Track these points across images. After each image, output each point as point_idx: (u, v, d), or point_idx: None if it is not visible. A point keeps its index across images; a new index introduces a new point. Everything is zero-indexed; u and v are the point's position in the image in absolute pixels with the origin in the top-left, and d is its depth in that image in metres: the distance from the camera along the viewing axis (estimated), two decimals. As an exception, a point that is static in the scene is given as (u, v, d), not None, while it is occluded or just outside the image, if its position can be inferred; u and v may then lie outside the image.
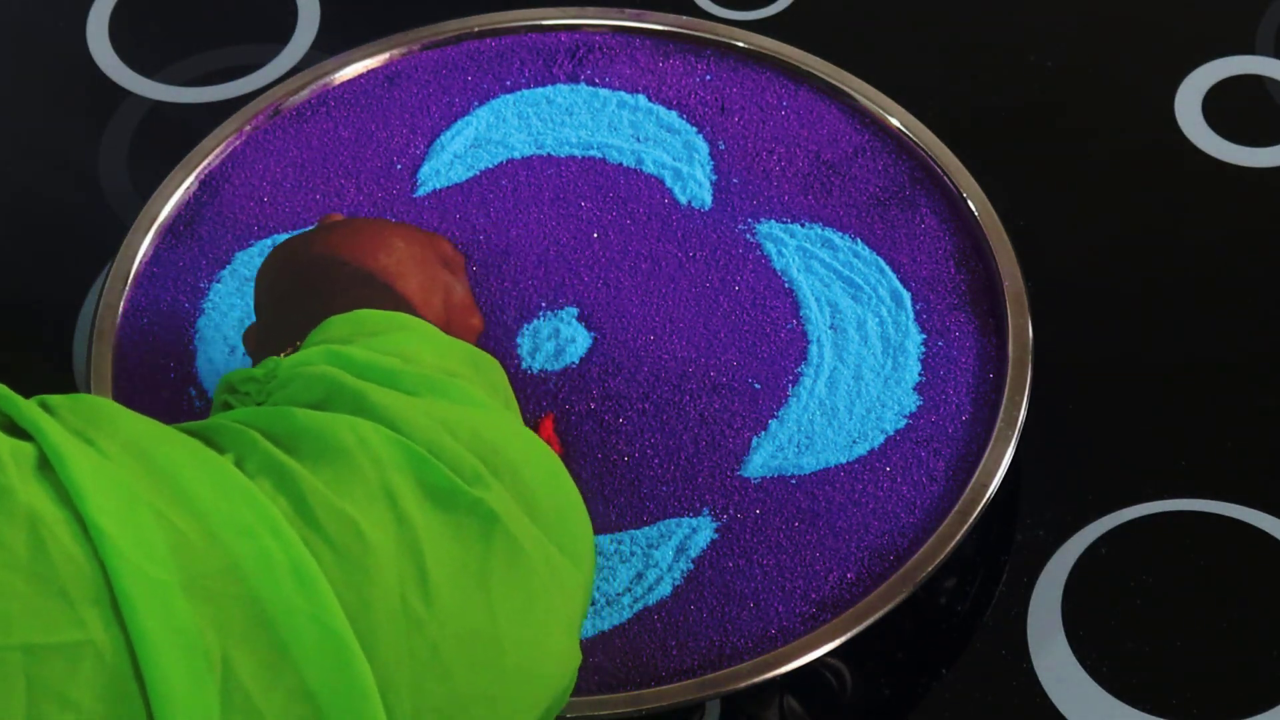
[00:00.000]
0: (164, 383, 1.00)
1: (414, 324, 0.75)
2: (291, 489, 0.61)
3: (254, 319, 1.01)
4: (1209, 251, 1.09)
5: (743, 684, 0.88)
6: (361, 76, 1.11)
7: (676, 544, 0.93)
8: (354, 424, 0.64)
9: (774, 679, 0.89)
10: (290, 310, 0.83)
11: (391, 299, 0.83)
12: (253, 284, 1.03)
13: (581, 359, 0.99)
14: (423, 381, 0.68)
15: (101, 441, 0.59)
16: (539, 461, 0.69)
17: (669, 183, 1.06)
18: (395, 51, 1.11)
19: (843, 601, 0.91)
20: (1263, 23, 1.17)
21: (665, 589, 0.92)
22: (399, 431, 0.65)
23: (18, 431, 0.60)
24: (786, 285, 1.01)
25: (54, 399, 0.62)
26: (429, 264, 0.88)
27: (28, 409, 0.60)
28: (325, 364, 0.68)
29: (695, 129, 1.08)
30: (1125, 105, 1.15)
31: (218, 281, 1.03)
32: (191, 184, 1.07)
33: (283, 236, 1.04)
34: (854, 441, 0.96)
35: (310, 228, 0.92)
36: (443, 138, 1.08)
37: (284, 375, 0.69)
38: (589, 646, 0.90)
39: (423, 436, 0.65)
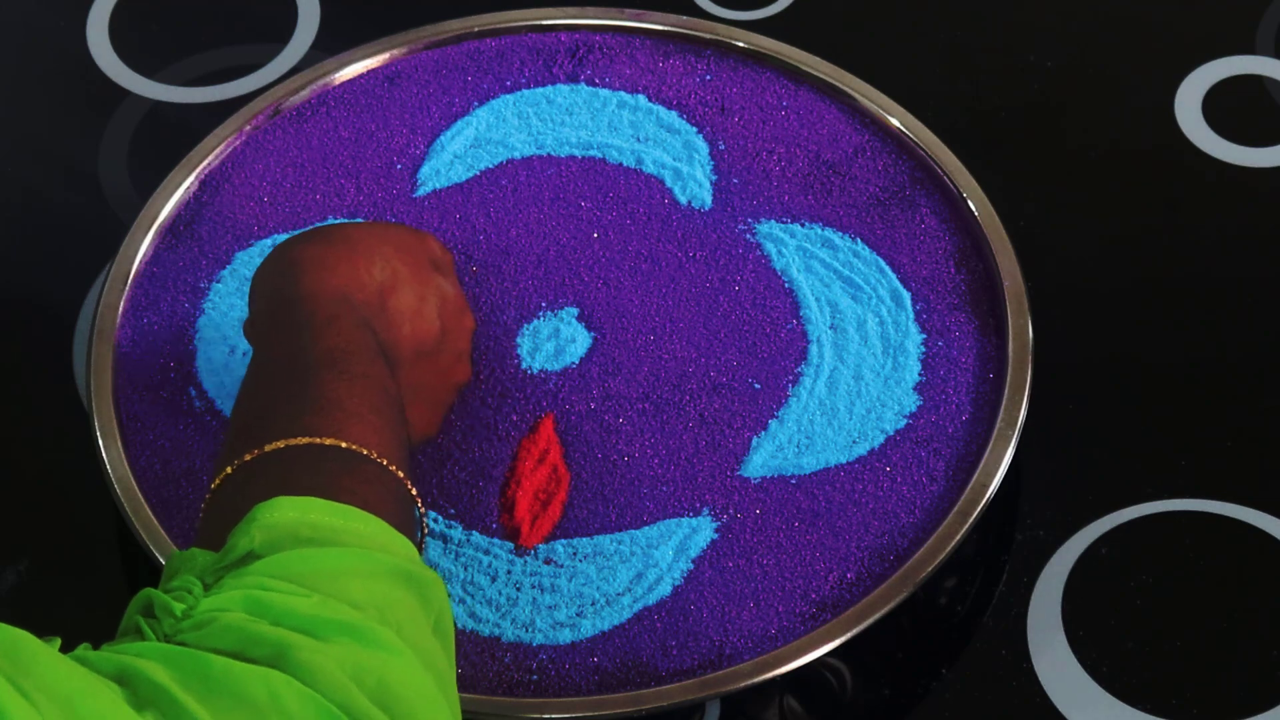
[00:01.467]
0: (164, 382, 1.00)
1: (357, 532, 0.74)
2: None
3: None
4: (1209, 251, 1.09)
5: (743, 684, 0.88)
6: (361, 76, 1.11)
7: (676, 544, 0.93)
8: (268, 678, 0.64)
9: (774, 679, 0.89)
10: (277, 349, 0.84)
11: (381, 327, 0.86)
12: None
13: (581, 359, 0.99)
14: (338, 627, 0.68)
15: (33, 693, 0.59)
16: (435, 708, 0.69)
17: (669, 183, 1.06)
18: (395, 51, 1.11)
19: (843, 601, 0.91)
20: (1263, 23, 1.17)
21: (665, 589, 0.92)
22: (312, 685, 0.65)
23: None
24: (786, 285, 1.01)
25: None
26: (421, 269, 0.90)
27: None
28: (243, 611, 0.68)
29: (695, 129, 1.08)
30: (1125, 105, 1.15)
31: (218, 281, 1.03)
32: (191, 184, 1.07)
33: (283, 237, 1.04)
34: (854, 441, 0.96)
35: (311, 229, 0.93)
36: (443, 138, 1.08)
37: (200, 617, 0.68)
38: (589, 646, 0.90)
39: (332, 691, 0.65)
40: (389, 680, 0.67)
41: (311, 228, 0.93)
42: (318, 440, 0.78)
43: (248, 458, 0.78)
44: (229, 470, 0.78)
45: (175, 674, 0.64)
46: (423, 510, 0.81)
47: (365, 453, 0.78)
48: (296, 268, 0.87)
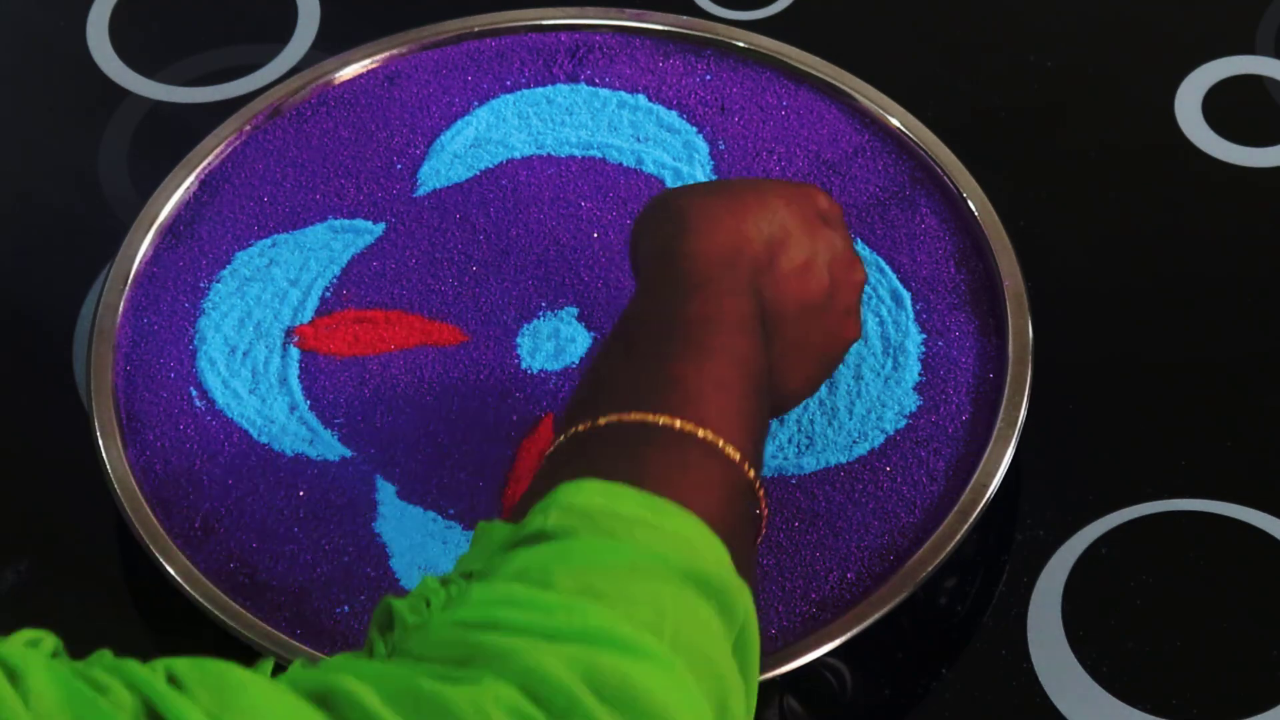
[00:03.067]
0: (164, 383, 0.99)
1: (663, 529, 0.70)
2: None
3: (254, 319, 1.01)
4: (1209, 251, 1.09)
5: (743, 684, 0.88)
6: (361, 76, 1.11)
7: (676, 544, 0.93)
8: (477, 697, 0.62)
9: (774, 679, 0.88)
10: (646, 307, 0.82)
11: (768, 284, 0.83)
12: (252, 284, 1.03)
13: (581, 359, 0.99)
14: (580, 630, 0.65)
15: None
16: (693, 712, 0.65)
17: (669, 182, 1.05)
18: (395, 51, 1.11)
19: (843, 601, 0.91)
20: (1263, 23, 1.17)
21: (665, 589, 0.91)
22: (529, 688, 0.62)
23: (154, 717, 0.59)
24: (786, 285, 1.01)
25: (180, 667, 0.60)
26: (810, 222, 0.87)
27: (167, 700, 0.58)
28: (481, 611, 0.66)
29: (695, 129, 1.08)
30: (1125, 105, 1.15)
31: (218, 281, 1.03)
32: (191, 184, 1.06)
33: (284, 237, 1.04)
34: (854, 441, 0.96)
35: (689, 185, 0.90)
36: (443, 137, 1.08)
37: (435, 628, 0.67)
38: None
39: (550, 692, 0.62)
40: (639, 685, 0.64)
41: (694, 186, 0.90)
42: (649, 418, 0.75)
43: (580, 428, 0.75)
44: (562, 439, 0.76)
45: (381, 695, 0.61)
46: (760, 491, 0.77)
47: (699, 434, 0.74)
48: (683, 220, 0.84)
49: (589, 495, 0.70)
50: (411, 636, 0.66)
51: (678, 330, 0.79)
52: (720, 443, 0.75)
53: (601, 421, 0.75)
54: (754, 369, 0.79)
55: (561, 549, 0.68)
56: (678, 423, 0.74)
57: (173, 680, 0.60)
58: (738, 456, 0.75)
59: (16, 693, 0.57)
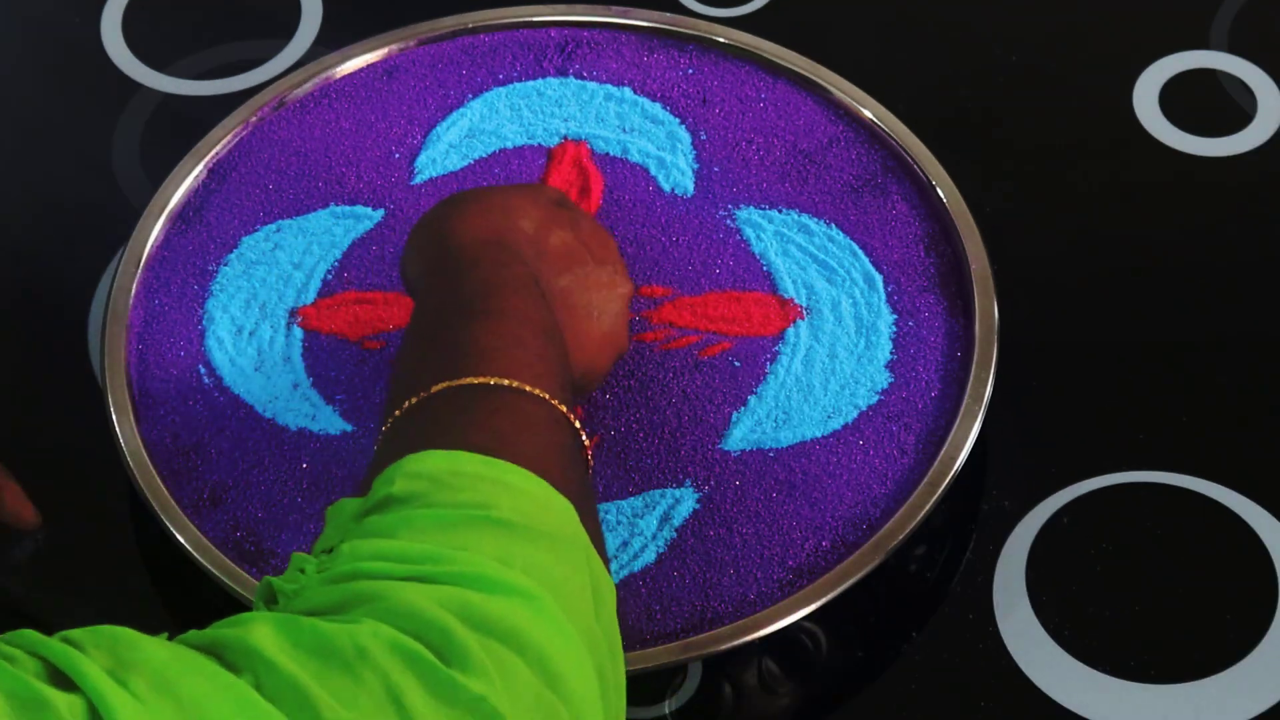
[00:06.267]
0: (174, 360, 0.99)
1: (509, 485, 0.70)
2: (306, 708, 0.60)
3: (259, 300, 1.01)
4: (1166, 237, 1.09)
5: (723, 646, 0.88)
6: (361, 70, 1.10)
7: (660, 514, 0.92)
8: (353, 632, 0.62)
9: (753, 642, 0.88)
10: (428, 300, 0.85)
11: (543, 269, 0.87)
12: (258, 267, 1.03)
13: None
14: (450, 574, 0.65)
15: (133, 681, 0.58)
16: (577, 659, 0.65)
17: (653, 171, 1.05)
18: (394, 46, 1.11)
19: (818, 568, 0.90)
20: (1216, 20, 1.17)
21: (650, 556, 0.91)
22: (401, 623, 0.63)
23: (57, 674, 0.59)
24: (765, 268, 1.01)
25: (76, 634, 0.60)
26: (552, 209, 0.90)
27: (66, 655, 0.59)
28: (351, 564, 0.66)
29: (678, 120, 1.07)
30: (1086, 98, 1.15)
31: (225, 265, 1.03)
32: (200, 172, 1.06)
33: (288, 223, 1.04)
34: (829, 416, 0.95)
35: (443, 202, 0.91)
36: (439, 128, 1.08)
37: (310, 589, 0.67)
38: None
39: (423, 626, 0.63)
40: (511, 620, 0.64)
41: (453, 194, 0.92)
42: (455, 383, 0.76)
43: (397, 413, 0.77)
44: (389, 421, 0.77)
45: (267, 636, 0.62)
46: (581, 427, 0.78)
47: (506, 383, 0.76)
48: (447, 222, 0.87)
49: (433, 461, 0.70)
50: (291, 603, 0.67)
51: (465, 303, 0.81)
52: (527, 388, 0.76)
53: (414, 400, 0.76)
54: (542, 325, 0.82)
55: (407, 516, 0.68)
56: (486, 379, 0.76)
57: (69, 643, 0.60)
58: (546, 396, 0.77)
59: None
